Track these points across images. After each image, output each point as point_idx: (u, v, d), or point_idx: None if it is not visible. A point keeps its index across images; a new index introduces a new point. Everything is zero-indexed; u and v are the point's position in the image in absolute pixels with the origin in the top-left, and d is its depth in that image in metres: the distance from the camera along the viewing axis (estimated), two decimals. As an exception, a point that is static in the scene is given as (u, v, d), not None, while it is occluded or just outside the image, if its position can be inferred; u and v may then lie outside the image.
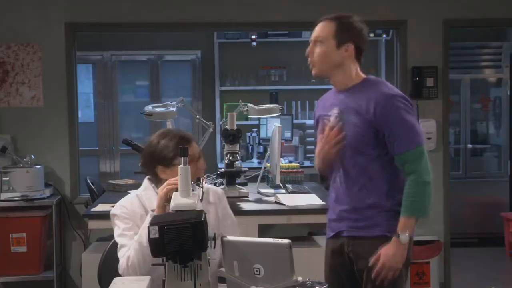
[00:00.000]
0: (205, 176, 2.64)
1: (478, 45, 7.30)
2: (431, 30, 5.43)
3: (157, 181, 2.64)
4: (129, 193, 2.74)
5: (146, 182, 2.70)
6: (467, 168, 7.29)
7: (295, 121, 6.95)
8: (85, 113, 7.37)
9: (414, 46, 5.45)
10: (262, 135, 6.79)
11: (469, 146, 7.31)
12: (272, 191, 4.52)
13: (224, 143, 4.45)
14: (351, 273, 2.83)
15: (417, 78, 5.37)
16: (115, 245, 2.63)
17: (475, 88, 7.34)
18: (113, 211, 2.64)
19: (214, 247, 2.18)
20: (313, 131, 7.17)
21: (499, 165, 7.35)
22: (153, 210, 2.43)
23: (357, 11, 5.53)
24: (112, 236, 2.71)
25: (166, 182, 2.44)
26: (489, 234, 7.00)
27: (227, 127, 4.39)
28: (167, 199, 2.36)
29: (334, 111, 2.76)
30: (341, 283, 2.85)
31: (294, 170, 4.88)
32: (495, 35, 7.40)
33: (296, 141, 6.90)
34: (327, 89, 3.03)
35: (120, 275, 2.47)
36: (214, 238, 2.18)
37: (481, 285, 5.68)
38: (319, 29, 2.77)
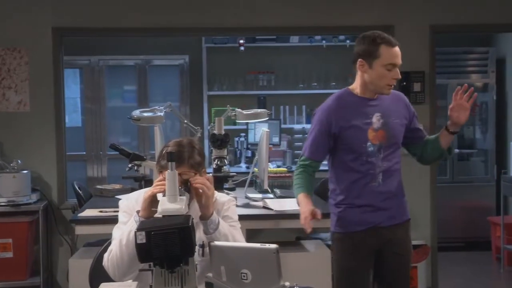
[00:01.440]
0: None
1: (465, 51, 7.34)
2: (418, 35, 5.45)
3: None
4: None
5: None
6: (454, 173, 7.32)
7: (283, 126, 6.95)
8: (73, 117, 7.33)
9: (401, 51, 5.45)
10: (250, 139, 6.78)
11: (456, 150, 7.33)
12: (260, 195, 4.51)
13: (212, 148, 4.45)
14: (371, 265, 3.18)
15: (404, 83, 5.40)
16: (105, 250, 2.62)
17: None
18: (120, 202, 2.67)
19: (203, 255, 2.18)
20: (300, 135, 7.19)
21: (486, 170, 7.38)
22: (138, 211, 2.42)
23: (344, 17, 5.55)
24: (99, 242, 2.70)
25: (154, 184, 2.43)
26: (476, 238, 7.02)
27: (215, 131, 4.39)
28: (151, 201, 2.36)
29: (377, 115, 3.10)
30: (366, 276, 3.17)
31: (282, 175, 4.88)
32: (481, 40, 7.45)
33: (284, 145, 6.91)
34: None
35: (111, 279, 2.47)
36: (202, 246, 2.18)
37: (468, 289, 5.71)
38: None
